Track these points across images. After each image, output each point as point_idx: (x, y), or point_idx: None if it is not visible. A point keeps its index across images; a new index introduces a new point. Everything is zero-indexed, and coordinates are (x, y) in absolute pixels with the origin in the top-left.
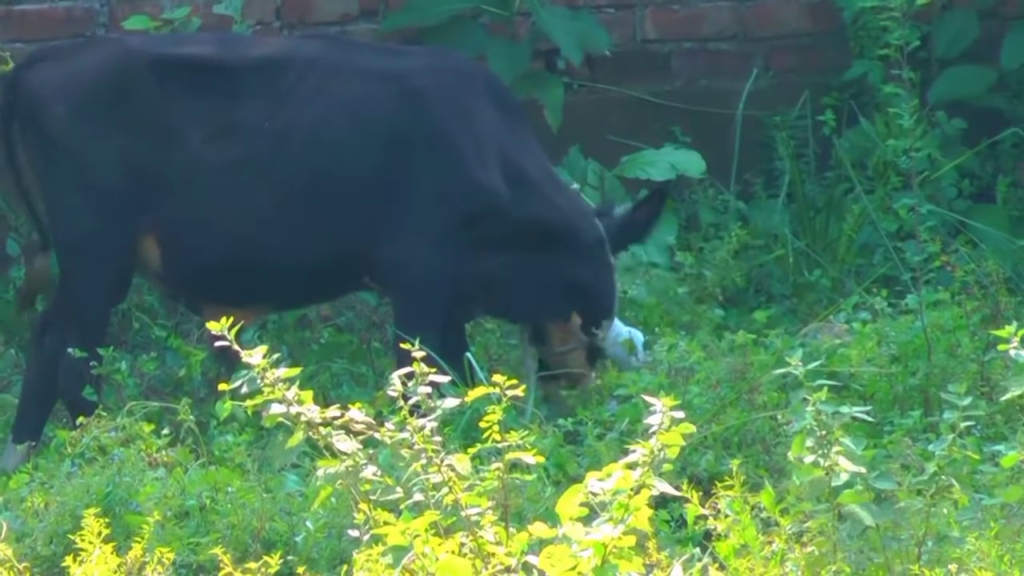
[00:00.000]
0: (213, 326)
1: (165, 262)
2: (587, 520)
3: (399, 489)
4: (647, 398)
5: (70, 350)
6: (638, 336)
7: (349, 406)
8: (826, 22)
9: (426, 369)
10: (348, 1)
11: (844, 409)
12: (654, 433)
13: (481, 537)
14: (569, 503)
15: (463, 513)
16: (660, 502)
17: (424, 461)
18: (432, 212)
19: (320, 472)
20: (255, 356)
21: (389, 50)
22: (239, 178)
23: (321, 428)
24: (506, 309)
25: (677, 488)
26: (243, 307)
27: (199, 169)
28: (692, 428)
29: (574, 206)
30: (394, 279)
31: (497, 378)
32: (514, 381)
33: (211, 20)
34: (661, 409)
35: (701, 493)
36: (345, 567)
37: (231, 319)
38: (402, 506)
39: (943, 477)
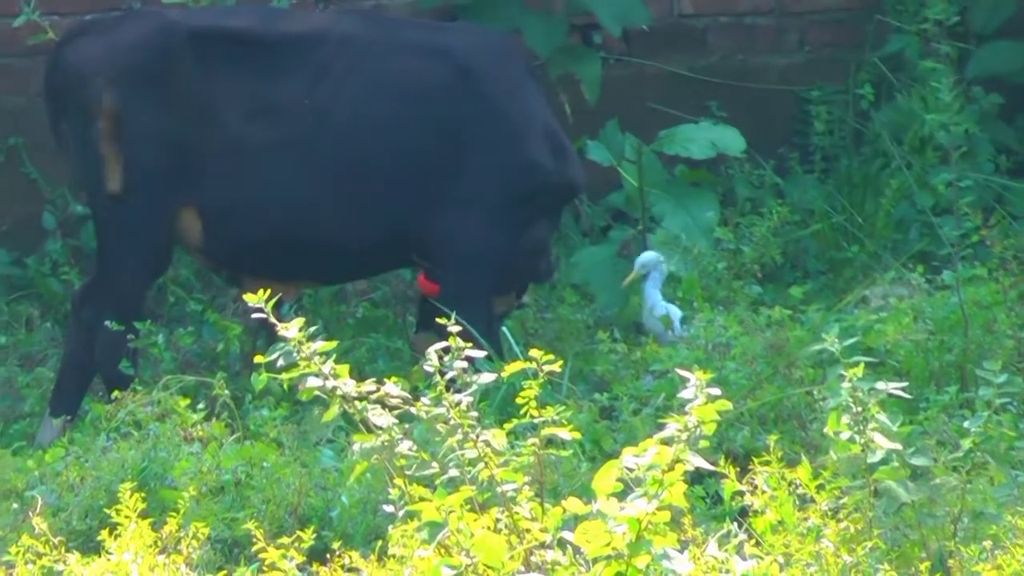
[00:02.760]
0: (250, 298)
1: (207, 235)
2: (622, 496)
3: (435, 464)
4: (682, 372)
5: (107, 323)
6: (675, 312)
7: (385, 380)
8: None
9: (462, 344)
10: None
11: (880, 385)
12: (689, 408)
13: (516, 513)
14: (605, 479)
15: (498, 489)
16: (696, 478)
17: (460, 436)
18: (487, 189)
19: (356, 447)
20: (291, 329)
21: (429, 26)
22: (280, 154)
23: (357, 402)
24: (546, 274)
25: (713, 464)
26: (286, 281)
27: (241, 144)
28: (728, 404)
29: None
30: (447, 256)
31: (534, 353)
32: (550, 356)
33: None
34: (696, 383)
35: (738, 469)
36: (380, 542)
37: (268, 291)
38: (437, 481)
39: (978, 454)
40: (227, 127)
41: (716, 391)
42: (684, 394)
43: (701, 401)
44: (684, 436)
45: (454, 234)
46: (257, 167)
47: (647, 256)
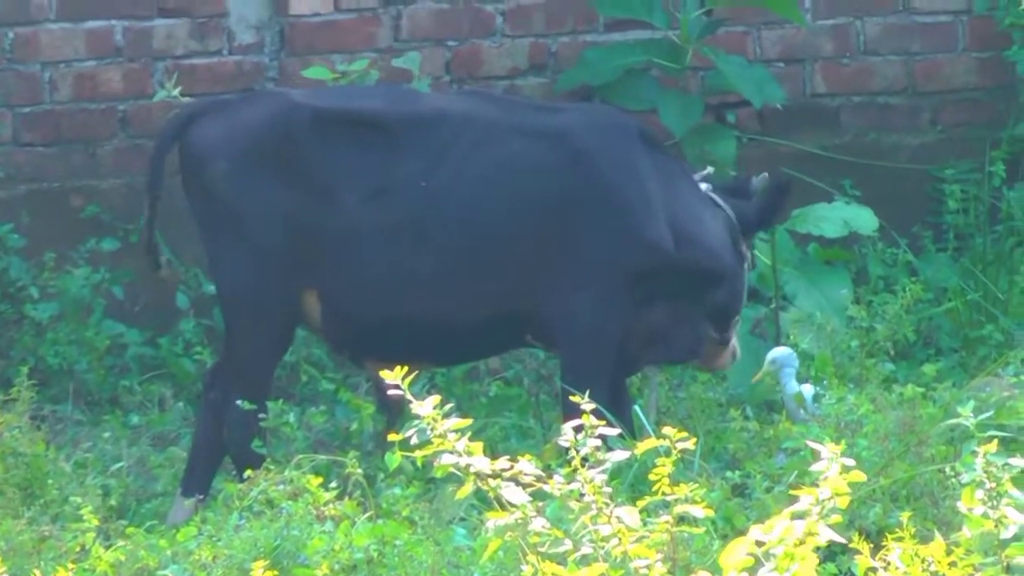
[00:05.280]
0: (386, 375)
1: (325, 318)
2: (752, 571)
3: (568, 541)
4: (813, 445)
5: (238, 402)
6: (808, 391)
7: (518, 458)
8: (996, 76)
9: (596, 421)
10: (517, 56)
11: (1015, 460)
12: (821, 480)
13: None
14: (733, 554)
15: (631, 565)
16: (828, 556)
17: (593, 512)
18: (603, 269)
19: (489, 524)
20: (426, 406)
21: (543, 107)
22: (397, 237)
23: (490, 480)
24: (666, 355)
25: (846, 540)
26: (402, 362)
27: (358, 226)
28: (862, 476)
29: (719, 234)
30: (563, 337)
31: (667, 430)
32: (684, 434)
33: (388, 74)
34: (828, 455)
35: (871, 546)
36: None
37: (405, 368)
38: (571, 559)
39: None
40: (346, 208)
41: (850, 462)
42: (817, 467)
43: (834, 473)
44: (816, 509)
45: (569, 314)
46: (373, 248)
47: (779, 353)
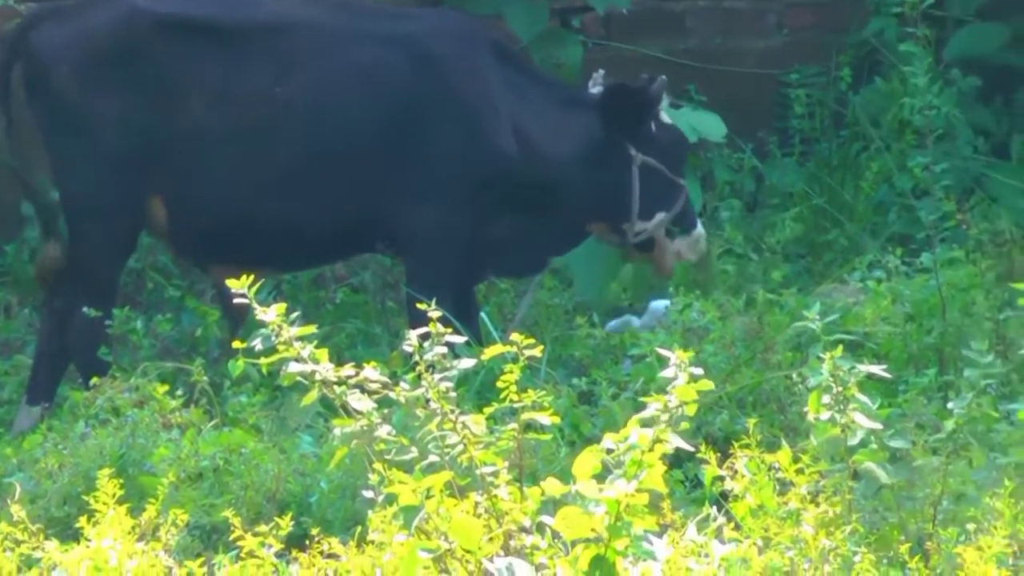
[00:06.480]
0: (232, 284)
1: (172, 223)
2: (601, 478)
3: (414, 449)
4: (662, 352)
5: (84, 310)
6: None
7: (364, 365)
8: None
9: (442, 329)
10: None
11: (860, 366)
12: (670, 388)
13: (496, 496)
14: (585, 463)
15: (478, 472)
16: (675, 462)
17: (439, 420)
18: (449, 177)
19: (335, 432)
20: (270, 313)
21: (395, 13)
22: (244, 143)
23: (336, 387)
24: (512, 268)
25: (694, 447)
26: (249, 268)
27: (205, 132)
28: (710, 384)
29: (574, 142)
30: (409, 243)
31: (514, 337)
32: (531, 340)
33: None
34: (676, 363)
35: (718, 454)
36: (359, 528)
37: (251, 276)
38: (417, 466)
39: (960, 436)
40: (192, 115)
41: (699, 371)
42: (665, 373)
43: (683, 381)
44: (665, 417)
45: (417, 222)
46: (220, 154)
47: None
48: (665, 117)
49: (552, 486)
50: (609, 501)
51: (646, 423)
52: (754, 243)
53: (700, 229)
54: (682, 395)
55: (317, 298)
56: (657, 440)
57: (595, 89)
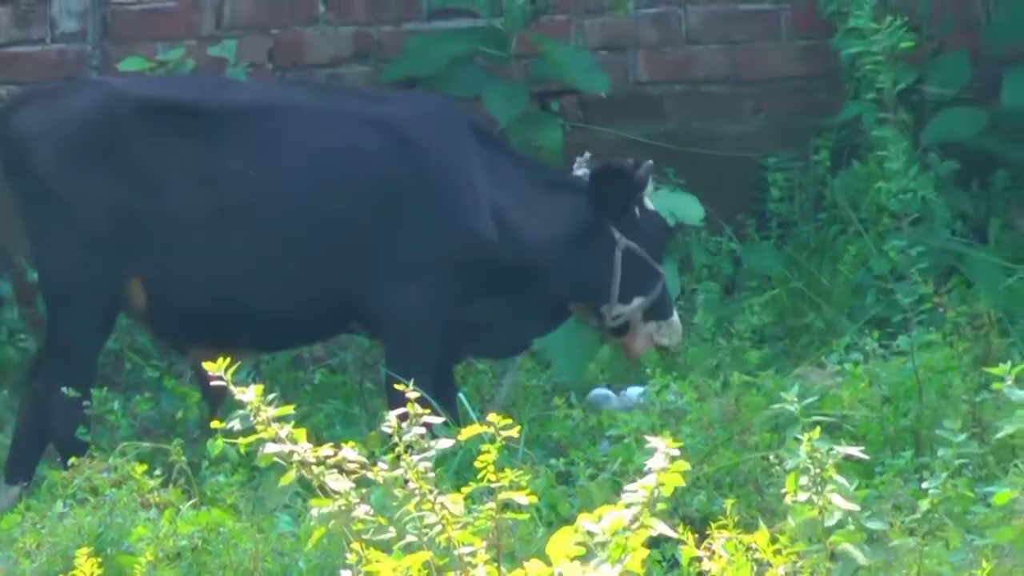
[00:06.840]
0: (209, 366)
1: (151, 306)
2: (583, 560)
3: (392, 529)
4: (648, 438)
5: (64, 390)
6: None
7: (342, 445)
8: (819, 64)
9: (420, 410)
10: (340, 44)
11: (838, 447)
12: (653, 473)
13: None
14: (561, 544)
15: (456, 552)
16: (652, 542)
17: (417, 500)
18: (426, 260)
19: (313, 511)
20: (248, 394)
21: (371, 96)
22: (222, 225)
23: (314, 467)
24: (491, 349)
25: (673, 528)
26: (228, 350)
27: (183, 215)
28: (686, 465)
29: (555, 225)
30: (387, 325)
31: (492, 417)
32: (508, 420)
33: (206, 62)
34: (663, 449)
35: (696, 535)
36: None
37: (227, 359)
38: (395, 546)
39: (936, 516)
40: (170, 197)
41: (674, 451)
42: (652, 463)
43: (662, 463)
44: (648, 501)
45: (393, 304)
46: (198, 236)
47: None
48: (649, 203)
49: (535, 569)
50: None
51: (629, 506)
52: (724, 328)
53: (675, 317)
54: (666, 480)
55: (295, 379)
56: (641, 525)
57: (580, 171)
